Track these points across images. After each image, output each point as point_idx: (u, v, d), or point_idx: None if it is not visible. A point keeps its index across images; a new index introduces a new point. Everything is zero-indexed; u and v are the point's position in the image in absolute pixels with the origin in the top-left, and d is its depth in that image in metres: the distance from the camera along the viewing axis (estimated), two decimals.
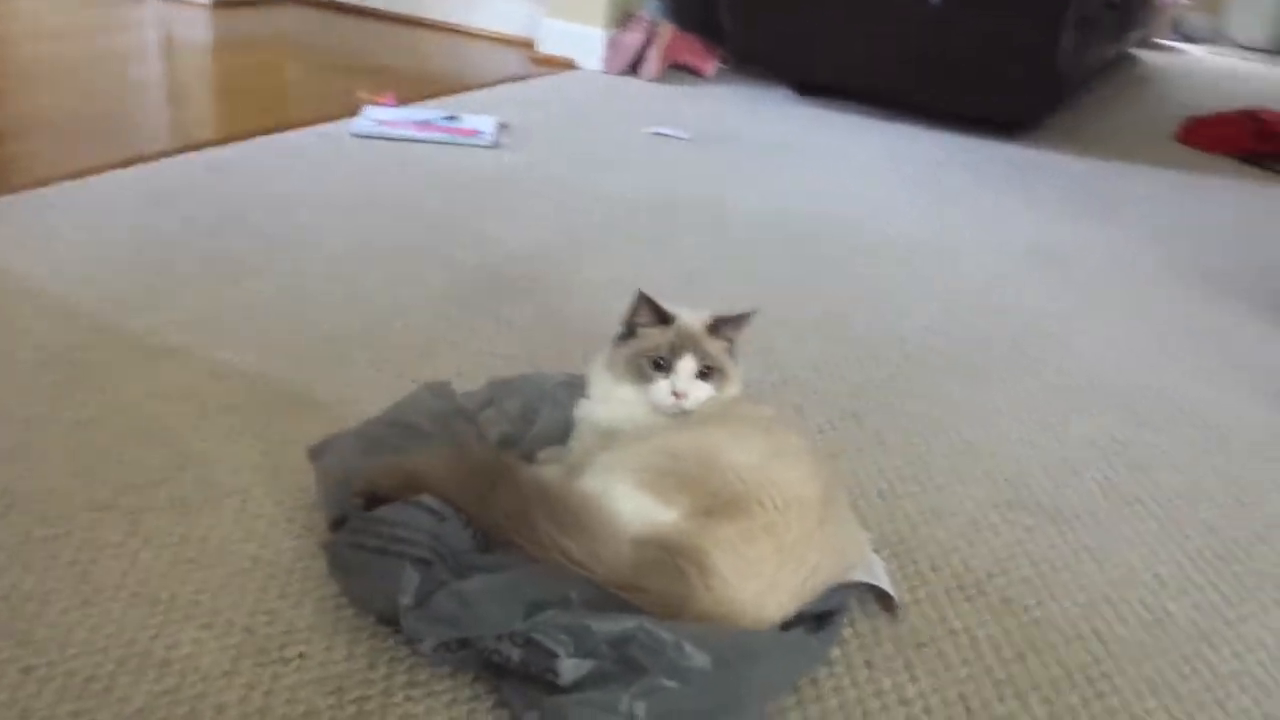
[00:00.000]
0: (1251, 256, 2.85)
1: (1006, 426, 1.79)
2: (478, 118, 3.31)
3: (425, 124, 3.20)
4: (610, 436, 1.35)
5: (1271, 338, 2.30)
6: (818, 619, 1.21)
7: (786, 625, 1.18)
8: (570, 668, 1.03)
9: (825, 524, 1.23)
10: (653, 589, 1.11)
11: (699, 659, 1.03)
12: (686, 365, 1.34)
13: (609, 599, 1.09)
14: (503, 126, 3.28)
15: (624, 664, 1.03)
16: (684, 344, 1.35)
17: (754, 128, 3.62)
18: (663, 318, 1.38)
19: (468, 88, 3.77)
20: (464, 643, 1.07)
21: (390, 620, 1.15)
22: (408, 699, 1.11)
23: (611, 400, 1.39)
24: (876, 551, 1.38)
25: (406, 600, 1.07)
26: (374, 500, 1.20)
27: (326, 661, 1.16)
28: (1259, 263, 2.81)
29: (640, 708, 1.01)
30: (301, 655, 1.16)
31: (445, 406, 1.42)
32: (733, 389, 1.39)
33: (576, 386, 1.46)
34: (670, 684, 1.02)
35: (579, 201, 2.70)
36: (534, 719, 1.04)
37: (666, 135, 3.43)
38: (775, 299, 2.20)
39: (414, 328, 1.93)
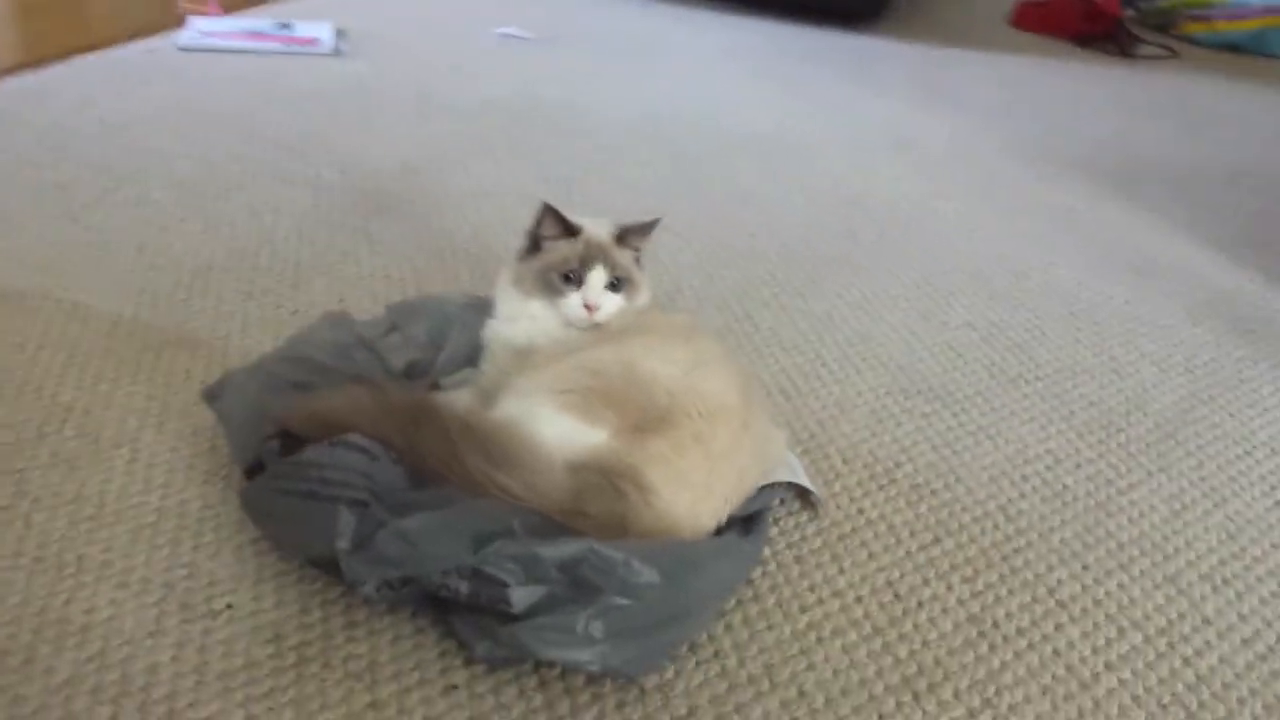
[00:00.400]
0: (1087, 135, 2.97)
1: (890, 316, 1.84)
2: (313, 25, 3.14)
3: (257, 33, 3.02)
4: (524, 356, 1.32)
5: (1114, 213, 2.41)
6: (745, 521, 1.23)
7: (718, 530, 1.19)
8: (522, 596, 1.01)
9: (748, 427, 1.24)
10: (594, 512, 1.10)
11: (648, 574, 1.03)
12: (597, 277, 1.32)
13: (552, 525, 1.08)
14: (341, 33, 3.12)
15: (575, 586, 1.02)
16: (593, 255, 1.33)
17: (600, 25, 3.54)
18: (569, 229, 1.34)
19: None
20: (406, 580, 1.04)
21: (321, 564, 1.11)
22: (349, 640, 1.08)
23: (521, 318, 1.35)
24: (790, 449, 1.41)
25: (344, 544, 1.03)
26: (291, 442, 1.15)
27: (257, 611, 1.11)
28: (1094, 141, 2.92)
29: (597, 627, 1.01)
30: (230, 606, 1.12)
31: (345, 337, 1.36)
32: (643, 298, 1.38)
33: (482, 308, 1.42)
34: (623, 601, 1.02)
35: (433, 110, 2.60)
36: (487, 649, 1.02)
37: (514, 36, 3.33)
38: (647, 204, 2.19)
39: (282, 254, 1.84)
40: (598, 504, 1.11)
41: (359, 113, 2.53)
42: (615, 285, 1.33)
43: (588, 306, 1.31)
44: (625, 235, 1.36)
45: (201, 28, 2.98)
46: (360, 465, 1.06)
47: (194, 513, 1.23)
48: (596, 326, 1.33)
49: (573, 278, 1.32)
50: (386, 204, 2.07)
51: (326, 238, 1.91)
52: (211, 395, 1.31)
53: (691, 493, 1.15)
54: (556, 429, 1.16)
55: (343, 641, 1.08)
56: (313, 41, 3.00)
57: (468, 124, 2.52)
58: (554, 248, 1.35)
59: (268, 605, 1.12)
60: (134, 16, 3.08)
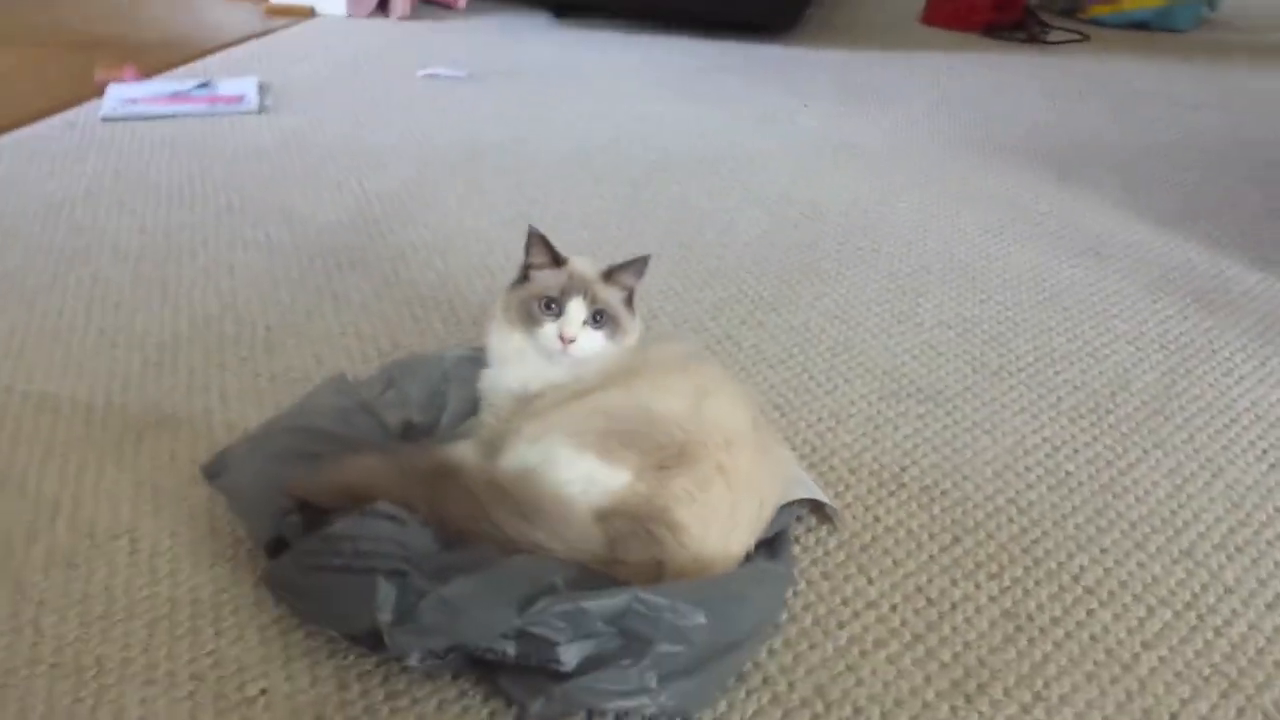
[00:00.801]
0: (1016, 124, 3.03)
1: (867, 322, 1.85)
2: (235, 82, 3.09)
3: (179, 96, 2.96)
4: (524, 403, 1.30)
5: (1058, 198, 2.46)
6: (768, 544, 1.23)
7: (746, 557, 1.19)
8: (572, 653, 1.00)
9: (763, 451, 1.24)
10: (631, 560, 1.09)
11: (695, 616, 1.02)
12: (575, 308, 1.28)
13: (592, 576, 1.06)
14: (263, 88, 3.07)
15: (625, 637, 1.01)
16: (574, 286, 1.29)
17: (526, 58, 3.53)
18: (556, 258, 1.32)
19: (208, 51, 3.49)
20: (452, 647, 1.02)
21: (358, 638, 1.08)
22: (394, 712, 1.06)
23: (511, 360, 1.33)
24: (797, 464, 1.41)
25: (386, 617, 1.00)
26: (312, 515, 1.12)
27: (293, 693, 1.08)
28: (1024, 129, 2.99)
29: (651, 677, 1.00)
30: (264, 692, 1.08)
31: (346, 401, 1.33)
32: (629, 339, 1.34)
33: (478, 360, 1.40)
34: (675, 649, 1.01)
35: (373, 159, 2.56)
36: (540, 706, 1.00)
37: (441, 76, 3.31)
38: (608, 234, 2.18)
39: (247, 320, 1.79)
40: (633, 551, 1.09)
41: (299, 168, 2.49)
42: (597, 321, 1.29)
43: (563, 338, 1.28)
44: (614, 272, 1.33)
45: (121, 95, 2.92)
46: (392, 533, 1.04)
47: (207, 599, 1.19)
48: (575, 364, 1.30)
49: (553, 307, 1.29)
50: (345, 259, 2.03)
51: (289, 299, 1.87)
52: (212, 473, 1.27)
53: (720, 526, 1.14)
54: (577, 471, 1.14)
55: (388, 714, 1.05)
56: (238, 99, 2.95)
57: (415, 171, 2.49)
58: (539, 277, 1.32)
59: (303, 685, 1.09)
60: (48, 92, 3.00)
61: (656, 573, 1.08)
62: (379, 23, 3.98)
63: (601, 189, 2.42)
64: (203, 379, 1.62)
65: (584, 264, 1.34)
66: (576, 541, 1.09)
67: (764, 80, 3.38)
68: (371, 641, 1.06)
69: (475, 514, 1.09)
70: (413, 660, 1.02)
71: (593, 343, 1.29)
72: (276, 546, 1.14)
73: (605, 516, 1.12)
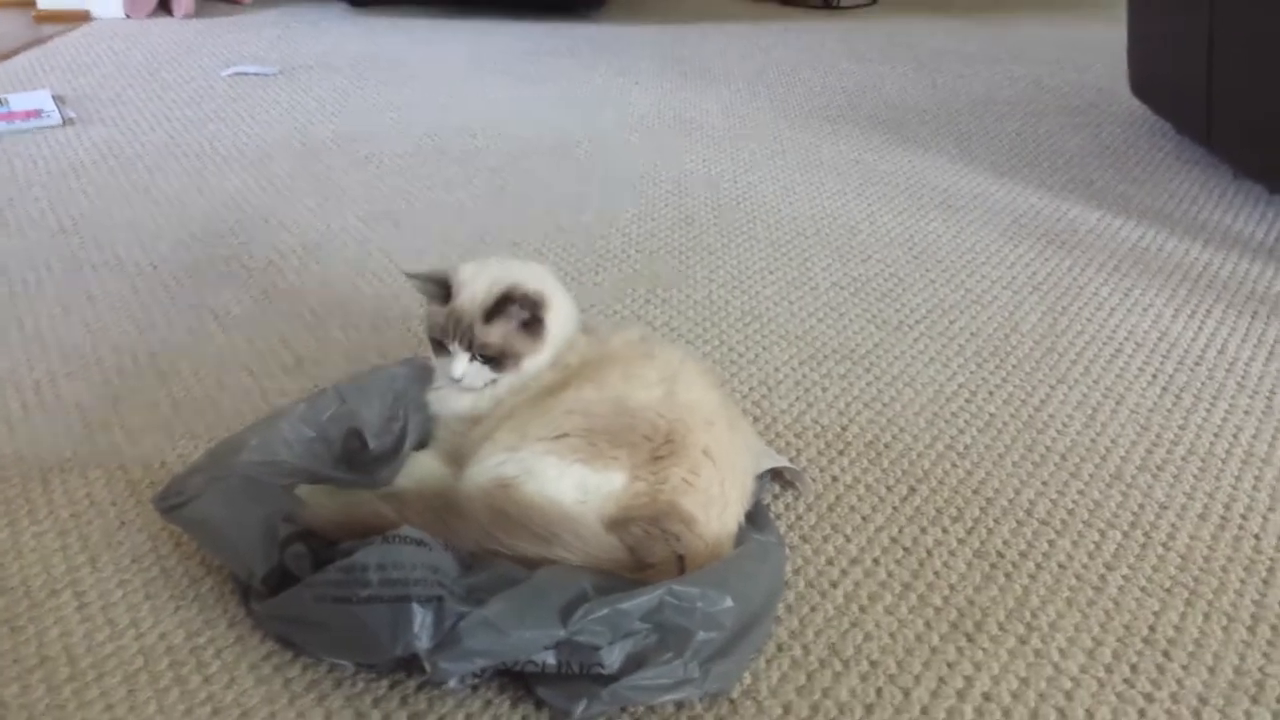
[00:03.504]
0: (838, 89, 3.14)
1: (765, 290, 1.89)
2: (25, 96, 2.85)
3: None
4: (477, 421, 1.28)
5: (898, 157, 2.57)
6: (748, 518, 1.24)
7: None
8: (615, 655, 0.99)
9: (733, 426, 1.25)
10: (657, 561, 1.09)
11: (723, 600, 1.03)
12: (457, 351, 1.25)
13: (617, 578, 1.05)
14: (59, 100, 2.85)
15: (662, 632, 1.01)
16: (454, 331, 1.25)
17: (335, 50, 3.40)
18: (444, 292, 1.28)
19: None
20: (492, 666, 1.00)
21: (379, 666, 1.04)
22: None
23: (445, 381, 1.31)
24: None
25: (424, 643, 0.96)
26: (319, 544, 1.06)
27: None
28: (845, 93, 3.10)
29: (694, 668, 1.00)
30: None
31: (306, 431, 1.25)
32: (534, 360, 1.27)
33: (428, 375, 1.35)
34: (711, 635, 1.02)
35: (202, 165, 2.41)
36: (584, 710, 0.99)
37: (250, 74, 3.14)
38: (478, 223, 2.15)
39: (128, 351, 1.66)
40: (656, 552, 1.09)
41: (125, 182, 2.32)
42: (486, 359, 1.25)
43: (451, 376, 1.26)
44: (498, 310, 1.25)
45: None
46: (424, 559, 0.99)
47: (181, 644, 1.11)
48: (478, 390, 1.28)
49: (442, 345, 1.27)
50: (213, 273, 1.92)
51: (165, 323, 1.75)
52: (167, 506, 1.18)
53: (717, 507, 1.16)
54: (569, 482, 1.13)
55: None
56: (35, 114, 2.73)
57: (255, 174, 2.37)
58: (433, 310, 1.29)
59: (317, 719, 1.03)
60: None
61: (680, 568, 1.09)
62: (163, 23, 3.75)
63: (458, 178, 2.37)
64: (97, 415, 1.50)
65: (470, 297, 1.26)
66: (597, 551, 1.08)
67: (591, 60, 3.37)
68: (390, 668, 1.02)
69: (489, 542, 1.07)
70: (452, 683, 0.99)
71: (483, 375, 1.26)
72: (278, 581, 1.07)
73: (616, 524, 1.11)
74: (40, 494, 1.34)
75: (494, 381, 1.27)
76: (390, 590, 0.96)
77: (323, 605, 0.99)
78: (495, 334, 1.25)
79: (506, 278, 1.27)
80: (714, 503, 1.15)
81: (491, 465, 1.16)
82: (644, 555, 1.09)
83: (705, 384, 1.26)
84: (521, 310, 1.25)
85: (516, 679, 1.04)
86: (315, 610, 1.00)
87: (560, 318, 1.29)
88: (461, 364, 1.25)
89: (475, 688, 1.05)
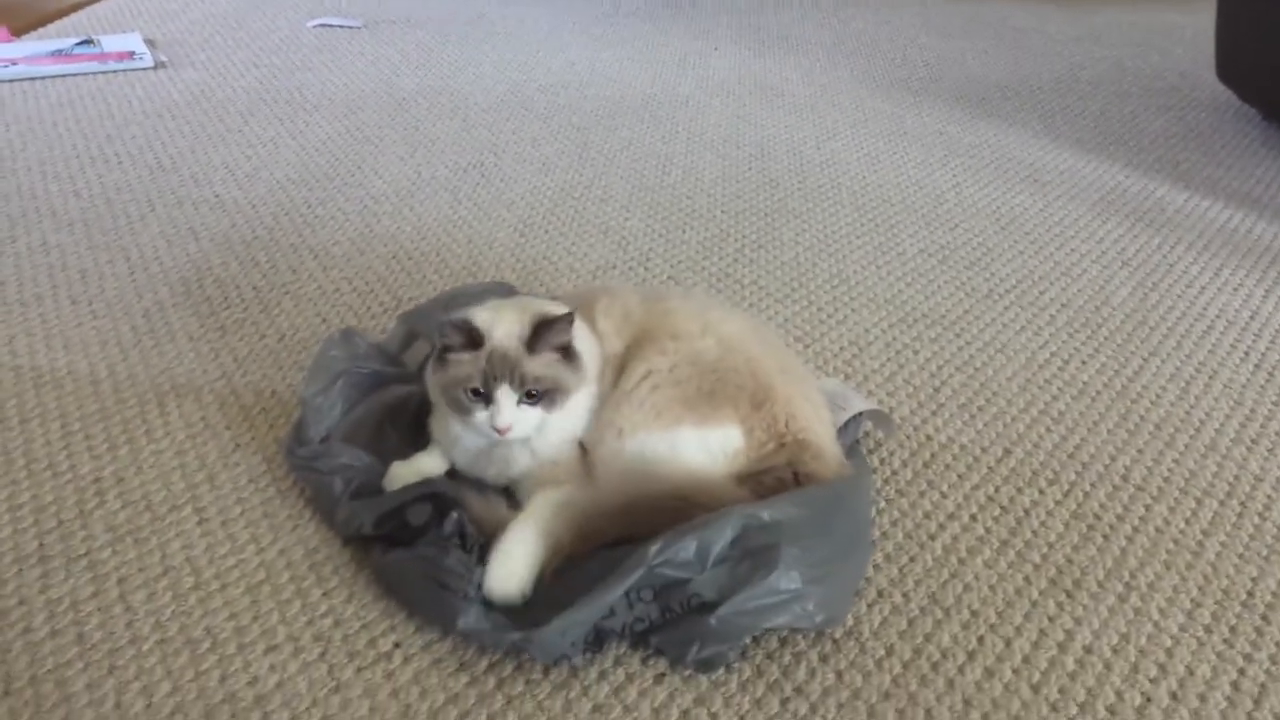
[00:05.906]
0: (919, 62, 3.11)
1: (852, 255, 1.90)
2: (118, 38, 2.91)
3: (63, 55, 2.77)
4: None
5: (983, 131, 2.55)
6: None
7: None
8: (709, 582, 1.03)
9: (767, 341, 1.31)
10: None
11: (792, 509, 1.08)
12: (504, 395, 1.14)
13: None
14: (150, 43, 2.90)
15: (749, 554, 1.04)
16: (499, 371, 1.14)
17: (419, 6, 3.42)
18: (474, 340, 1.15)
19: (76, 6, 3.28)
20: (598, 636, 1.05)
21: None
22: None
23: (447, 439, 1.24)
24: None
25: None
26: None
27: (429, 644, 1.06)
28: (927, 67, 3.07)
29: (795, 578, 1.03)
30: (398, 645, 1.06)
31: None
32: (580, 395, 1.20)
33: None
34: (795, 550, 1.05)
35: (293, 111, 2.45)
36: (696, 650, 1.02)
37: (334, 26, 3.18)
38: (565, 179, 2.16)
39: (230, 282, 1.71)
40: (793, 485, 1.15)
41: (219, 124, 2.36)
42: (533, 397, 1.15)
43: (497, 428, 1.14)
44: (539, 337, 1.15)
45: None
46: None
47: (300, 560, 1.16)
48: (520, 442, 1.19)
49: (480, 394, 1.15)
50: (310, 215, 1.95)
51: (268, 259, 1.80)
52: (300, 462, 1.25)
53: (825, 425, 1.22)
54: (690, 448, 1.16)
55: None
56: (128, 56, 2.78)
57: (345, 122, 2.40)
58: (458, 361, 1.16)
59: (435, 637, 1.07)
60: None
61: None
62: None
63: (545, 134, 2.39)
64: (207, 344, 1.55)
65: (506, 335, 1.16)
66: (731, 500, 1.11)
67: (669, 24, 3.38)
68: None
69: (633, 528, 1.09)
70: (576, 661, 1.04)
71: (531, 420, 1.16)
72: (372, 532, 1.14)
73: (749, 476, 1.15)
74: (157, 415, 1.39)
75: (540, 428, 1.18)
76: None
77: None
78: (540, 365, 1.15)
79: (530, 308, 1.19)
80: (822, 422, 1.20)
81: (607, 452, 1.19)
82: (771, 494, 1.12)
83: (765, 337, 1.30)
84: (558, 336, 1.16)
85: (636, 644, 1.07)
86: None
87: (585, 342, 1.22)
88: (509, 408, 1.13)
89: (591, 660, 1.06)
